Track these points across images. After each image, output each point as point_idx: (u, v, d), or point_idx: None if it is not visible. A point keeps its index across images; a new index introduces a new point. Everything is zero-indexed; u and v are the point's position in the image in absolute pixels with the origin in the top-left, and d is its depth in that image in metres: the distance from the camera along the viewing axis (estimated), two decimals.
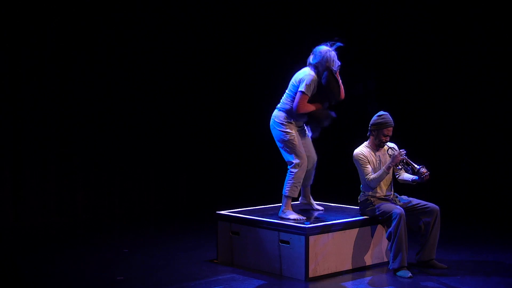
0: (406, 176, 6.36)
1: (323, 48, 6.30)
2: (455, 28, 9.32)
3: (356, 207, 6.63)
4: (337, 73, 6.30)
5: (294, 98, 6.26)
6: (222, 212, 6.69)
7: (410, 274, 5.96)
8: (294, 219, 6.17)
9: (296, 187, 6.27)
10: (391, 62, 9.92)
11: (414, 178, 6.23)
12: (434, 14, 9.45)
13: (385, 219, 6.16)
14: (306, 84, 6.19)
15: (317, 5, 10.27)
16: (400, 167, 6.35)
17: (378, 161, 6.31)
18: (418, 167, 6.13)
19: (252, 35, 10.72)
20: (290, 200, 6.33)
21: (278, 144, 6.40)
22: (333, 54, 6.27)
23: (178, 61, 9.87)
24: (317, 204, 6.83)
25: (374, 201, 6.27)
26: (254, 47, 10.74)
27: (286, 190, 6.28)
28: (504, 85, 9.05)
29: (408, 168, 6.27)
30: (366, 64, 10.09)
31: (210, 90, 10.30)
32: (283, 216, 6.27)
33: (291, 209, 6.33)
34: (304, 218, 6.27)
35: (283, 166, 6.37)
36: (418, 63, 9.66)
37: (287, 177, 6.31)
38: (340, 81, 6.30)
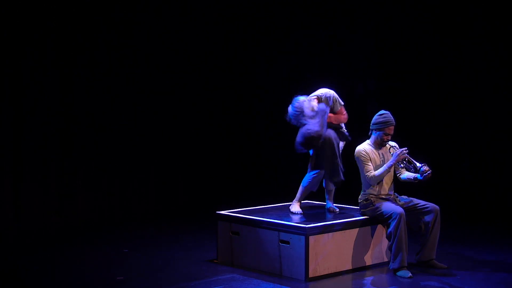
0: (407, 174, 6.35)
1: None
2: (456, 28, 9.31)
3: (356, 207, 6.63)
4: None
5: None
6: (222, 212, 6.69)
7: (410, 274, 5.96)
8: (292, 211, 6.59)
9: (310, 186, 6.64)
10: (392, 62, 9.91)
11: (416, 176, 6.22)
12: (434, 14, 9.44)
13: (385, 219, 6.16)
14: None
15: (317, 5, 10.27)
16: (402, 165, 6.35)
17: (381, 159, 6.32)
18: (420, 165, 6.13)
19: (252, 34, 10.72)
20: (302, 193, 6.64)
21: None
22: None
23: (178, 62, 9.87)
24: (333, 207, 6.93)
25: (374, 201, 6.27)
26: (255, 47, 10.75)
27: (304, 181, 6.64)
28: (505, 85, 9.04)
29: (410, 167, 6.27)
30: (366, 64, 10.10)
31: (210, 90, 10.29)
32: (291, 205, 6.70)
33: (298, 202, 6.68)
34: (301, 213, 6.54)
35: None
36: (419, 63, 9.65)
37: (311, 174, 6.61)
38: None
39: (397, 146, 6.39)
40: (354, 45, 10.10)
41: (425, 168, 6.10)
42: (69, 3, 8.65)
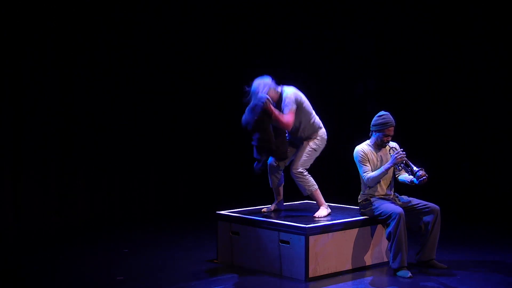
0: (405, 176, 6.35)
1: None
2: (456, 28, 9.32)
3: (356, 207, 6.63)
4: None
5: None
6: (222, 212, 6.69)
7: (410, 274, 5.96)
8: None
9: None
10: (392, 62, 9.91)
11: (412, 179, 6.22)
12: (434, 14, 9.44)
13: (385, 219, 6.15)
14: None
15: (317, 5, 10.27)
16: (400, 168, 6.35)
17: (379, 161, 6.31)
18: (416, 169, 6.12)
19: (252, 34, 10.71)
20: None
21: None
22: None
23: (178, 62, 9.87)
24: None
25: (373, 201, 6.27)
26: (254, 47, 10.74)
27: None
28: (505, 85, 9.05)
29: (408, 170, 6.26)
30: (366, 64, 10.09)
31: (210, 90, 10.29)
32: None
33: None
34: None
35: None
36: (419, 63, 9.66)
37: None
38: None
39: (397, 147, 6.38)
40: (354, 45, 10.09)
41: (422, 173, 6.09)
42: (69, 3, 8.65)
